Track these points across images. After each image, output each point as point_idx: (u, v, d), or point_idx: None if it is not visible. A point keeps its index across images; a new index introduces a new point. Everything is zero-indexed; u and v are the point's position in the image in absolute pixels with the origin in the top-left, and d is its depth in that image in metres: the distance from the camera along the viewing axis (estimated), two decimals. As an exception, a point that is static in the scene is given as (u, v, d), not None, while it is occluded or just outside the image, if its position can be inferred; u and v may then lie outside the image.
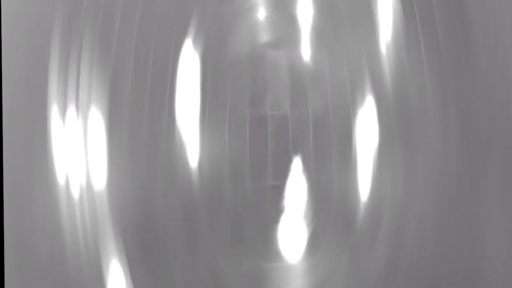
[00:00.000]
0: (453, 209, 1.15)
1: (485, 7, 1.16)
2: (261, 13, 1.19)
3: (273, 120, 1.18)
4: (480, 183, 1.15)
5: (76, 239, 1.16)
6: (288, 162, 1.18)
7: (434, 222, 1.15)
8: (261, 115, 1.18)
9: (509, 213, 1.15)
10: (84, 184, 1.17)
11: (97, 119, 1.17)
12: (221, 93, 1.18)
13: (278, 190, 1.18)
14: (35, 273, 1.16)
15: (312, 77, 1.18)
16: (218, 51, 1.18)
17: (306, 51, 1.18)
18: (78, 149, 1.17)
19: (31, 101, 1.16)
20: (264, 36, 1.19)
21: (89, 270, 1.16)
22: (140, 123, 1.17)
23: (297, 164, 1.18)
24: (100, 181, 1.17)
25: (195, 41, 1.18)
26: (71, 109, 1.17)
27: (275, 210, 1.18)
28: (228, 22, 1.18)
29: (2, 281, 1.16)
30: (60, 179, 1.16)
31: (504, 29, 1.16)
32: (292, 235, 1.18)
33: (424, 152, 1.16)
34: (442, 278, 1.16)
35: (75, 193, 1.16)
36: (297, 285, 1.17)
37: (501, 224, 1.15)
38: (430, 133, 1.16)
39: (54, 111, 1.17)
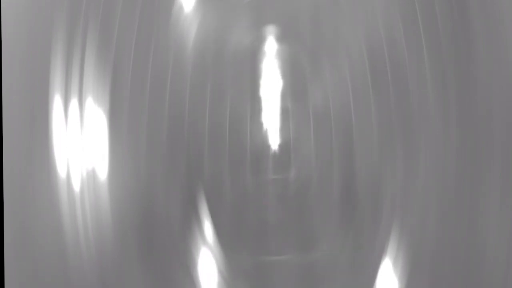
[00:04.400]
0: (453, 208, 1.15)
1: (485, 4, 1.16)
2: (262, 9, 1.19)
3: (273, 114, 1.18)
4: (480, 183, 1.15)
5: (76, 231, 1.16)
6: (289, 154, 1.18)
7: (434, 221, 1.15)
8: (261, 112, 1.18)
9: (509, 212, 1.15)
10: (85, 176, 1.17)
11: (97, 111, 1.17)
12: (222, 88, 1.18)
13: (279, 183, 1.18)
14: (35, 265, 1.16)
15: (313, 72, 1.18)
16: (218, 45, 1.18)
17: (306, 45, 1.18)
18: (79, 141, 1.17)
19: (32, 95, 1.16)
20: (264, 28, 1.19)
21: (89, 262, 1.16)
22: (140, 120, 1.17)
23: (297, 157, 1.18)
24: (101, 173, 1.17)
25: (194, 37, 1.18)
26: (73, 101, 1.17)
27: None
28: (227, 17, 1.18)
29: (2, 274, 1.16)
30: (61, 172, 1.16)
31: (505, 27, 1.16)
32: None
33: (424, 150, 1.16)
34: (442, 277, 1.16)
35: (76, 186, 1.17)
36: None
37: (502, 222, 1.15)
38: (431, 131, 1.16)
39: (55, 103, 1.17)
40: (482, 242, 1.14)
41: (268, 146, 1.18)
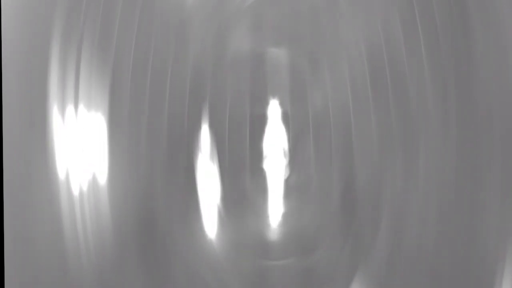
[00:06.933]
0: (453, 209, 1.16)
1: (484, 4, 1.16)
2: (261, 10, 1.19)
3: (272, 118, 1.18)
4: (480, 183, 1.15)
5: (76, 234, 1.16)
6: (287, 158, 1.18)
7: (434, 223, 1.16)
8: (260, 113, 1.19)
9: (509, 212, 1.15)
10: (84, 180, 1.17)
11: (97, 114, 1.17)
12: (221, 91, 1.18)
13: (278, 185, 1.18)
14: (35, 267, 1.16)
15: (312, 74, 1.18)
16: (218, 49, 1.19)
17: (305, 48, 1.19)
18: (78, 144, 1.17)
19: (31, 97, 1.16)
20: (264, 34, 1.19)
21: (88, 265, 1.16)
22: (140, 119, 1.17)
23: (296, 160, 1.18)
24: (101, 176, 1.17)
25: (194, 39, 1.19)
26: (70, 105, 1.17)
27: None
28: (227, 21, 1.19)
29: (2, 276, 1.16)
30: (61, 175, 1.16)
31: (504, 27, 1.16)
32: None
33: (424, 151, 1.16)
34: (442, 277, 1.16)
35: (75, 189, 1.16)
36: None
37: (502, 222, 1.15)
38: (430, 132, 1.16)
39: (54, 107, 1.17)
40: (482, 242, 1.14)
41: (267, 149, 1.18)
